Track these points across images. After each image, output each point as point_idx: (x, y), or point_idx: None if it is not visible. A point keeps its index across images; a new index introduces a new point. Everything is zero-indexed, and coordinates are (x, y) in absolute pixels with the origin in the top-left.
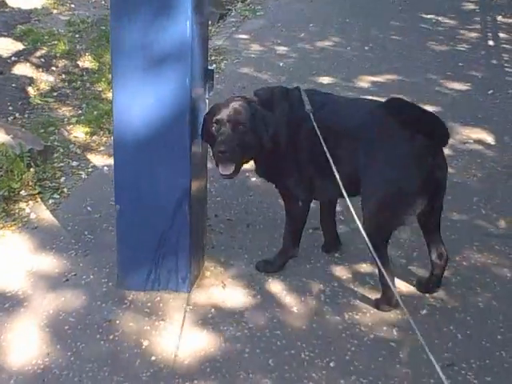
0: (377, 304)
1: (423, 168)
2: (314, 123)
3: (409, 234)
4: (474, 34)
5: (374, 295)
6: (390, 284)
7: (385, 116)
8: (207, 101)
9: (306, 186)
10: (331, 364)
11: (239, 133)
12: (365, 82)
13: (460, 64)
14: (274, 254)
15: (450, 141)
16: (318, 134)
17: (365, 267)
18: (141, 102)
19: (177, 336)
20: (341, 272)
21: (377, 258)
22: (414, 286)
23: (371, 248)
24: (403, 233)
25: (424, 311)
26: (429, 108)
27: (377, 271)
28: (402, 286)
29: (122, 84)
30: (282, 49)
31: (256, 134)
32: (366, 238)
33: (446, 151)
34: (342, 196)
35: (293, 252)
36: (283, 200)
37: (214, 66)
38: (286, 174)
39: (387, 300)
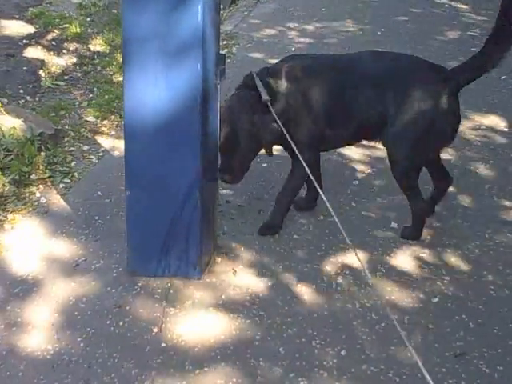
0: (405, 233)
1: (454, 106)
2: (274, 113)
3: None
4: (486, 19)
5: (386, 283)
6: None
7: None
8: (219, 86)
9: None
10: (342, 352)
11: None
12: None
13: (472, 49)
14: (271, 214)
15: (462, 127)
16: (278, 122)
17: (376, 255)
18: (152, 87)
19: (187, 322)
20: (352, 259)
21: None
22: (425, 273)
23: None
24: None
25: (436, 299)
26: None
27: (389, 259)
28: (413, 273)
29: (132, 70)
30: (293, 33)
31: (256, 138)
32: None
33: (458, 138)
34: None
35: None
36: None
37: (226, 50)
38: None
39: (416, 232)
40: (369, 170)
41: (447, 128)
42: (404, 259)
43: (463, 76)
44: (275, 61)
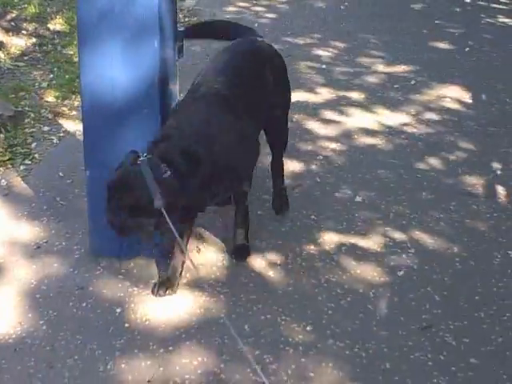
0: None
1: None
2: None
3: None
4: None
5: (350, 258)
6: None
7: None
8: (177, 63)
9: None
10: (308, 328)
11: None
12: (340, 42)
13: (436, 22)
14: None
15: (427, 98)
16: None
17: (340, 229)
18: (109, 66)
19: (150, 302)
20: (317, 235)
21: None
22: (390, 247)
23: None
24: None
25: (401, 273)
26: (404, 67)
27: (353, 233)
28: (377, 247)
29: (89, 50)
30: (257, 9)
31: None
32: None
33: (421, 108)
34: None
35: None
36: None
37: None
38: None
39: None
40: (333, 146)
41: None
42: (368, 234)
43: None
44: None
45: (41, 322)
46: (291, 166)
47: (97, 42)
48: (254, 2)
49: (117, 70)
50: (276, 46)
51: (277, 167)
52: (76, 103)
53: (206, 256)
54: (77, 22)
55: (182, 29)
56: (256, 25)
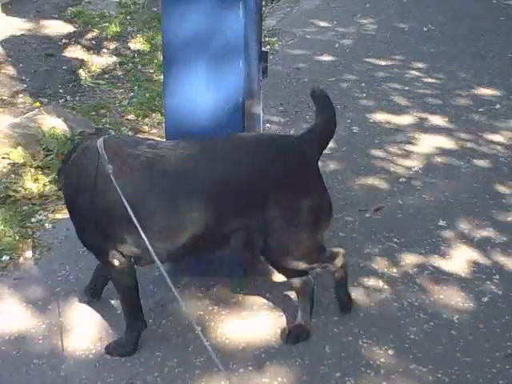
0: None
1: None
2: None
3: None
4: None
5: (434, 282)
6: None
7: None
8: (261, 83)
9: None
10: (390, 351)
11: None
12: (422, 63)
13: None
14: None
15: None
16: None
17: (424, 253)
18: (193, 86)
19: (230, 322)
20: (400, 258)
21: None
22: (474, 272)
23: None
24: None
25: (486, 299)
26: (489, 91)
27: (437, 257)
28: (462, 273)
29: (174, 72)
30: (337, 29)
31: None
32: None
33: (506, 133)
34: None
35: (139, 326)
36: None
37: (268, 47)
38: None
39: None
40: (415, 168)
41: None
42: (452, 258)
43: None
44: (319, 58)
45: None
46: (373, 185)
47: (182, 64)
48: (335, 22)
49: (201, 91)
50: (357, 67)
51: None
52: (156, 121)
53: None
54: (162, 45)
55: (265, 49)
56: (337, 45)
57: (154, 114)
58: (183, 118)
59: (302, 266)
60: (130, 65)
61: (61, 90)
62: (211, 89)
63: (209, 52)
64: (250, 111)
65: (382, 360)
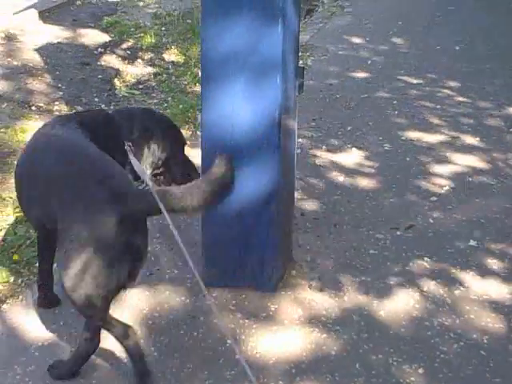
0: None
1: None
2: None
3: None
4: None
5: (465, 302)
6: None
7: None
8: (297, 99)
9: None
10: (420, 370)
11: None
12: (454, 82)
13: None
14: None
15: None
16: None
17: (454, 272)
18: (230, 101)
19: (261, 335)
20: (430, 276)
21: None
22: (506, 293)
23: None
24: None
25: None
26: None
27: (468, 276)
28: (493, 292)
29: (212, 87)
30: (369, 46)
31: None
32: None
33: None
34: None
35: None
36: None
37: (301, 62)
38: None
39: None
40: (447, 187)
41: None
42: (483, 278)
43: None
44: (351, 74)
45: (152, 349)
46: (404, 203)
47: (221, 79)
48: (368, 38)
49: (238, 106)
50: (389, 85)
51: None
52: (189, 132)
53: (317, 292)
54: (201, 59)
55: (302, 65)
56: (369, 62)
57: (187, 126)
58: (220, 132)
59: None
60: (165, 76)
61: (96, 99)
62: (249, 104)
63: (247, 67)
64: (286, 127)
65: (412, 379)
